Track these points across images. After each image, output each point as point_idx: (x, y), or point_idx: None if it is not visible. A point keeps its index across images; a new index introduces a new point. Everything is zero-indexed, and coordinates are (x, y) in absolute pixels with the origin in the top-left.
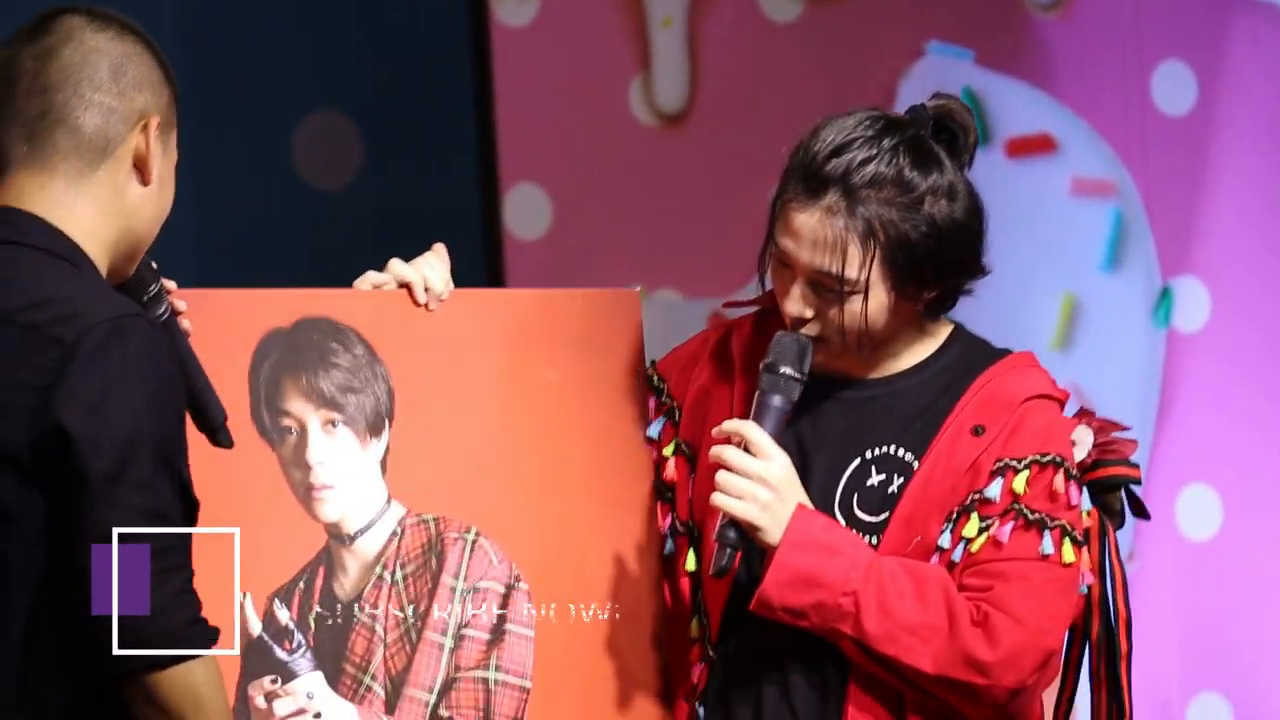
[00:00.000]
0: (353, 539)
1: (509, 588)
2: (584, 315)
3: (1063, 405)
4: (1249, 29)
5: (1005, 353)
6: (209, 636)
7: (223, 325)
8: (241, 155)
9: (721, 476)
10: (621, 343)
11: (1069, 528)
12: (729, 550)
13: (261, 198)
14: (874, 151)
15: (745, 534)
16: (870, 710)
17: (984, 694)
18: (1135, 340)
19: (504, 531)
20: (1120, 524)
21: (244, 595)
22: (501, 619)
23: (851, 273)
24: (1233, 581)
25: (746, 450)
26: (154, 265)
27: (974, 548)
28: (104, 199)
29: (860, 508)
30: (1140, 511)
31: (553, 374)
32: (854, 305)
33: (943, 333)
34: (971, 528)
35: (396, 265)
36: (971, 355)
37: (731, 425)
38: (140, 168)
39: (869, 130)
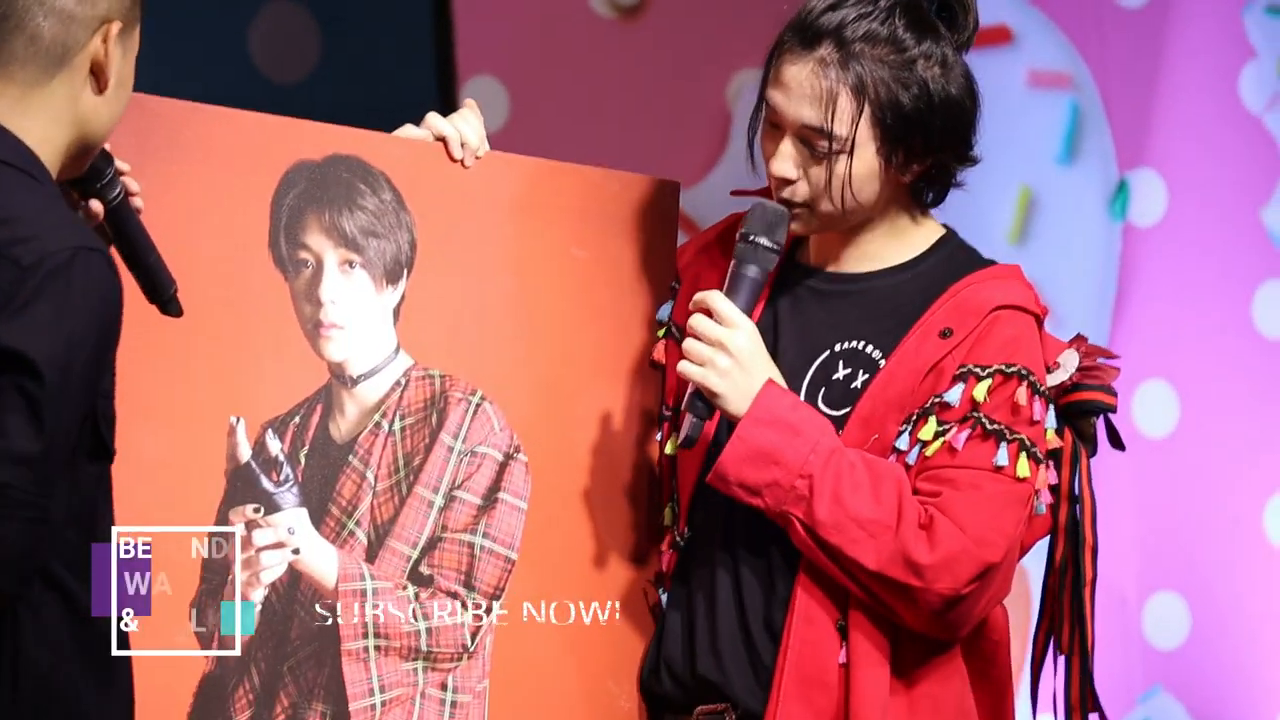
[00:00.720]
0: (355, 382)
1: (508, 457)
2: (621, 198)
3: (1040, 321)
4: None
5: (990, 263)
6: (8, 592)
7: (251, 148)
8: (198, 48)
9: (687, 343)
10: (655, 231)
11: (1028, 442)
12: (695, 420)
13: (218, 90)
14: (870, 9)
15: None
16: (818, 601)
17: (919, 596)
18: (1092, 233)
19: (510, 399)
20: (1093, 451)
21: (237, 420)
22: (496, 486)
23: (840, 128)
24: (1189, 479)
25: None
26: (108, 149)
27: (929, 451)
28: (59, 106)
29: (824, 400)
30: (1116, 442)
31: (581, 250)
32: (840, 166)
33: (931, 235)
34: (928, 431)
35: (433, 119)
36: (956, 261)
37: (700, 295)
38: (98, 74)
39: None
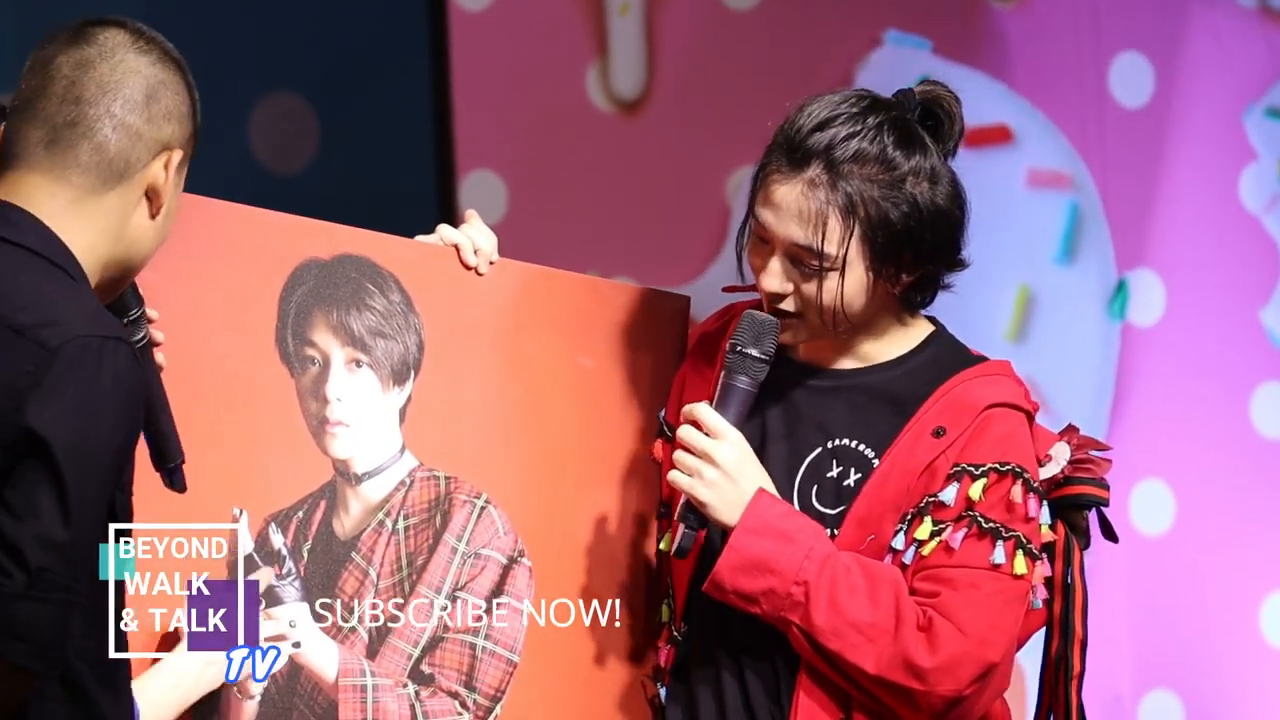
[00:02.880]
0: (359, 480)
1: (511, 560)
2: (630, 310)
3: (1031, 417)
4: (1207, 22)
5: (981, 359)
6: (34, 670)
7: (261, 244)
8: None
9: (676, 455)
10: (662, 342)
11: (1024, 539)
12: (687, 531)
13: (215, 180)
14: (859, 128)
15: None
16: (819, 703)
17: (920, 700)
18: (1090, 333)
19: (514, 505)
20: (1086, 544)
21: (240, 512)
22: (499, 589)
23: (830, 248)
24: (1185, 577)
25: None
26: (138, 290)
27: (925, 551)
28: (110, 220)
29: (817, 498)
30: (1109, 534)
31: (588, 360)
32: (831, 282)
33: (921, 332)
34: (924, 530)
35: (445, 229)
36: (946, 357)
37: (688, 407)
38: (152, 198)
39: (854, 107)
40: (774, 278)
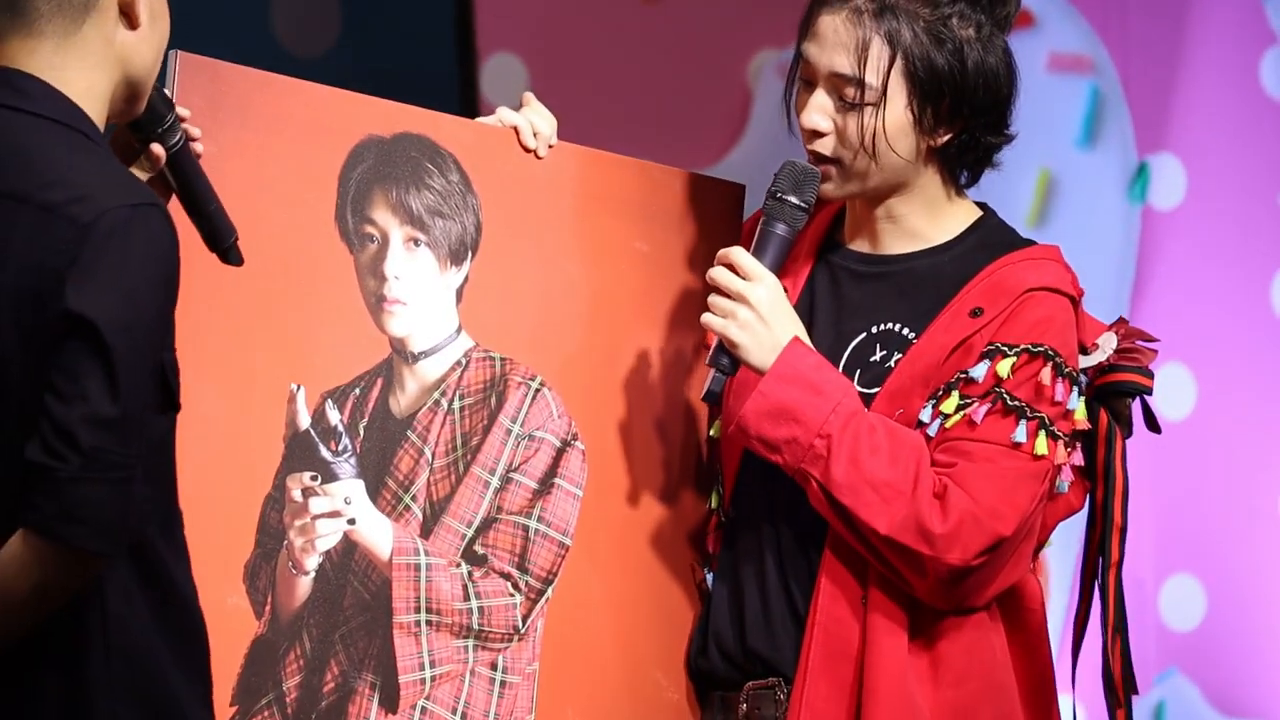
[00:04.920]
0: (416, 358)
1: (565, 443)
2: (687, 196)
3: (1076, 302)
4: None
5: (1029, 243)
6: (101, 552)
7: (321, 121)
8: (219, 22)
9: (710, 297)
10: (717, 231)
11: (1048, 421)
12: (718, 375)
13: (239, 62)
14: None
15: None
16: (842, 575)
17: (929, 565)
18: (1111, 217)
19: (568, 388)
20: (1128, 432)
21: (297, 387)
22: (552, 472)
23: (872, 77)
24: (1207, 461)
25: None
26: (168, 95)
27: (949, 424)
28: (96, 52)
29: (860, 382)
30: (1153, 424)
31: (643, 245)
32: (870, 117)
33: (970, 215)
34: (950, 404)
35: (505, 111)
36: (993, 241)
37: (723, 250)
38: (127, 12)
39: None
40: (814, 112)
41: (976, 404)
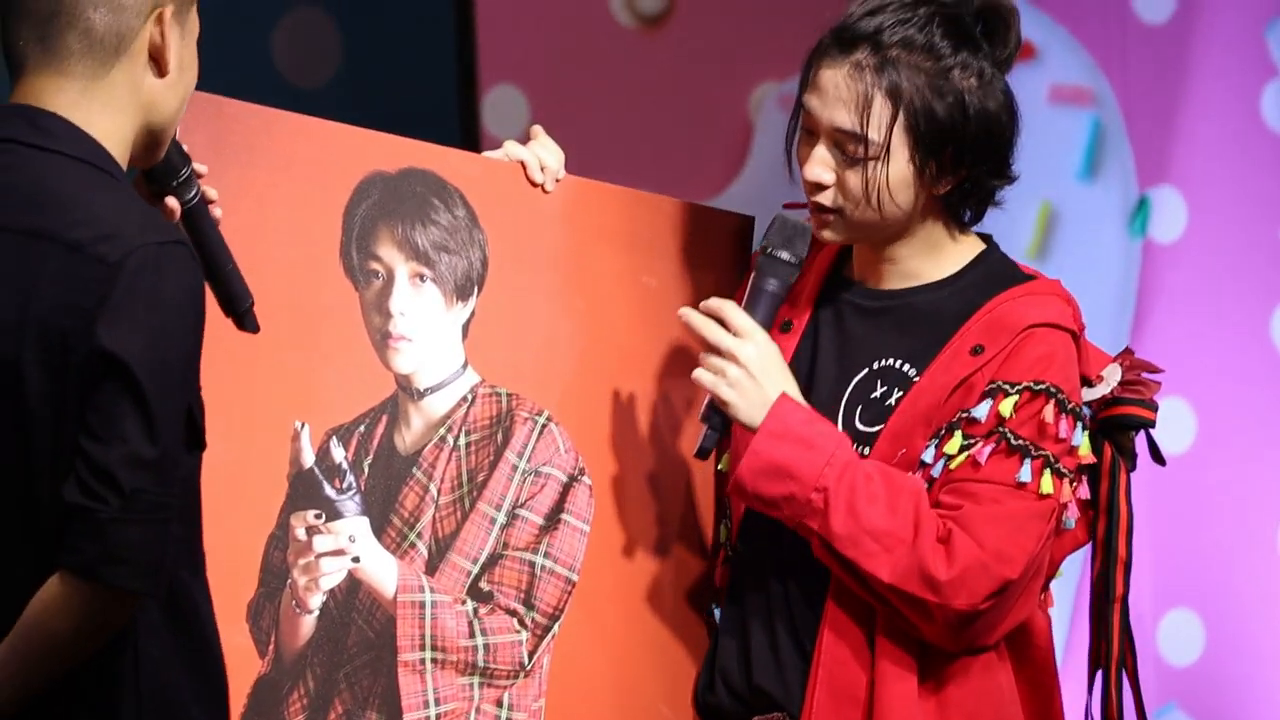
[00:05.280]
0: (421, 395)
1: (572, 479)
2: (695, 229)
3: (1076, 337)
4: None
5: (1029, 278)
6: (144, 591)
7: (327, 157)
8: (221, 51)
9: (701, 354)
10: (726, 263)
11: (1053, 459)
12: (710, 432)
13: (240, 94)
14: (909, 15)
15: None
16: (846, 623)
17: (935, 612)
18: (1111, 250)
19: (575, 423)
20: (1132, 465)
21: (301, 425)
22: (559, 507)
23: (874, 132)
24: (1206, 495)
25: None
26: (184, 149)
27: (953, 465)
28: (122, 96)
29: (861, 418)
30: (1157, 456)
31: (652, 280)
32: (873, 171)
33: (972, 249)
34: (954, 445)
35: (512, 145)
36: (993, 276)
37: (714, 303)
38: (157, 59)
39: None
40: (817, 165)
41: (980, 444)
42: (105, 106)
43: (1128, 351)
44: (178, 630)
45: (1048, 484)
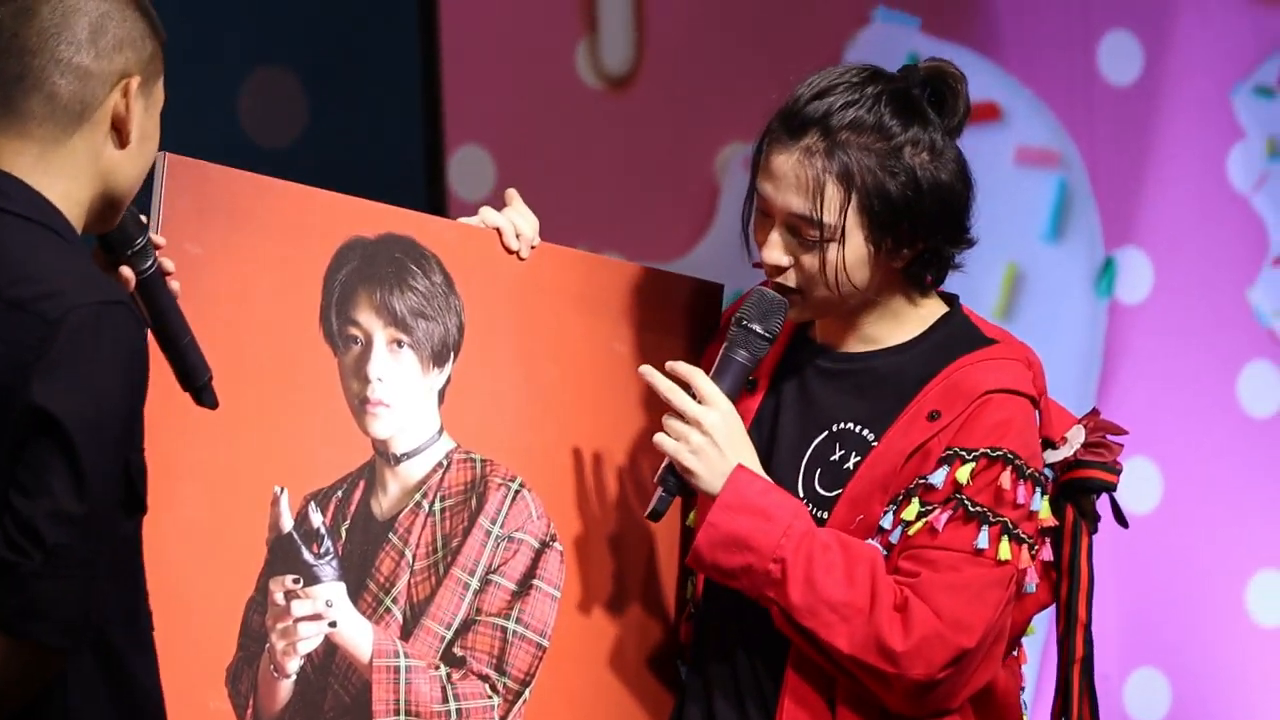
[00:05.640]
0: (398, 460)
1: (544, 544)
2: (665, 297)
3: (1035, 402)
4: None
5: (989, 342)
6: (61, 647)
7: (307, 222)
8: (187, 110)
9: (665, 417)
10: (695, 330)
11: (1010, 525)
12: (663, 495)
13: (206, 153)
14: (856, 97)
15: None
16: (806, 684)
17: (894, 682)
18: (1078, 311)
19: (547, 489)
20: (1094, 528)
21: (280, 490)
22: (530, 573)
23: (828, 216)
24: (1172, 555)
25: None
26: (142, 219)
27: (911, 531)
28: (81, 163)
29: (820, 481)
30: (1120, 519)
31: (621, 346)
32: (830, 253)
33: (933, 313)
34: (911, 511)
35: (487, 211)
36: (954, 340)
37: (681, 368)
38: (119, 129)
39: (855, 78)
40: (774, 250)
41: (938, 511)
42: (63, 171)
43: (1093, 413)
44: (111, 686)
45: (1005, 550)
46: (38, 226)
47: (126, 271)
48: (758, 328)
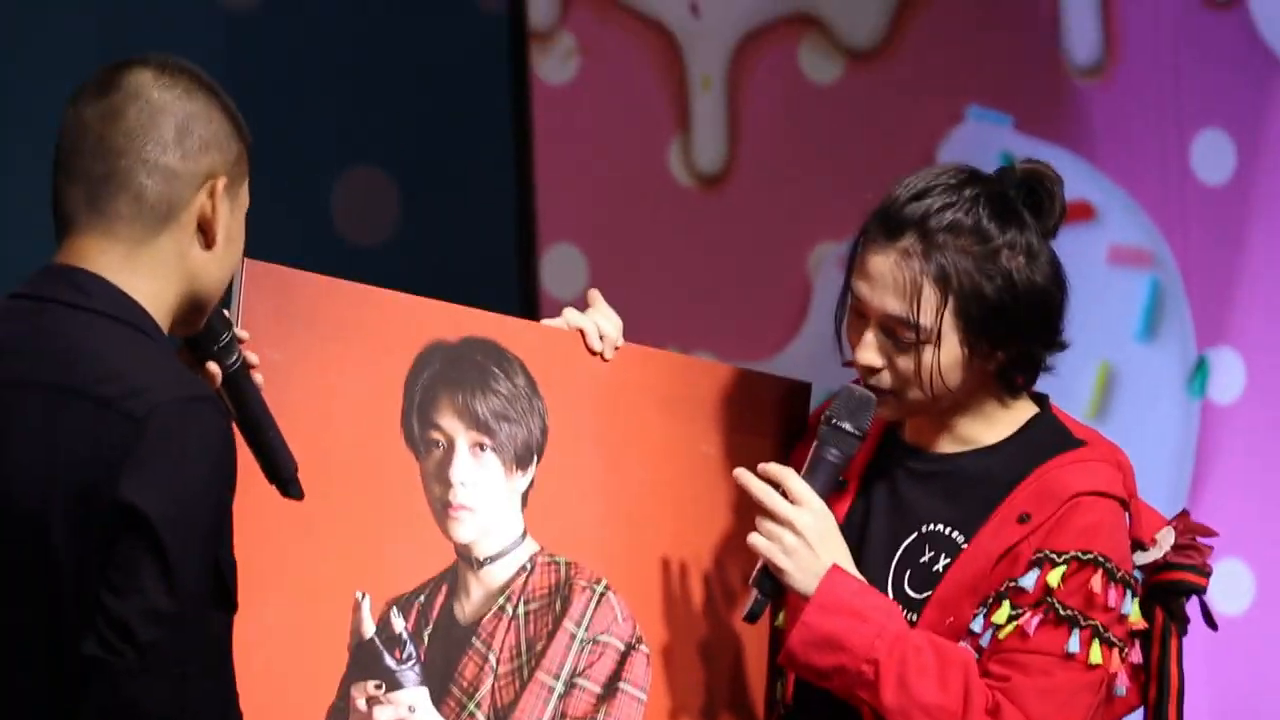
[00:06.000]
0: (481, 564)
1: (629, 647)
2: (753, 397)
3: (1125, 504)
4: None
5: (1079, 444)
6: None
7: (388, 327)
8: (280, 210)
9: (758, 518)
10: (784, 430)
11: (1101, 629)
12: (760, 597)
13: (298, 251)
14: (954, 199)
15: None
16: None
17: None
18: (1170, 411)
19: (632, 591)
20: (1183, 631)
21: (362, 595)
22: (616, 676)
23: (924, 319)
24: (1265, 657)
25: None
26: (225, 313)
27: (1001, 635)
28: (167, 263)
29: (909, 583)
30: (1210, 621)
31: (709, 447)
32: (925, 355)
33: (1023, 414)
34: (1002, 615)
35: (570, 313)
36: (1044, 442)
37: (773, 469)
38: (205, 230)
39: (952, 179)
40: (868, 350)
41: (1028, 614)
42: (150, 271)
43: (1183, 514)
44: None
45: (1096, 655)
46: (124, 325)
47: (213, 367)
48: (848, 426)
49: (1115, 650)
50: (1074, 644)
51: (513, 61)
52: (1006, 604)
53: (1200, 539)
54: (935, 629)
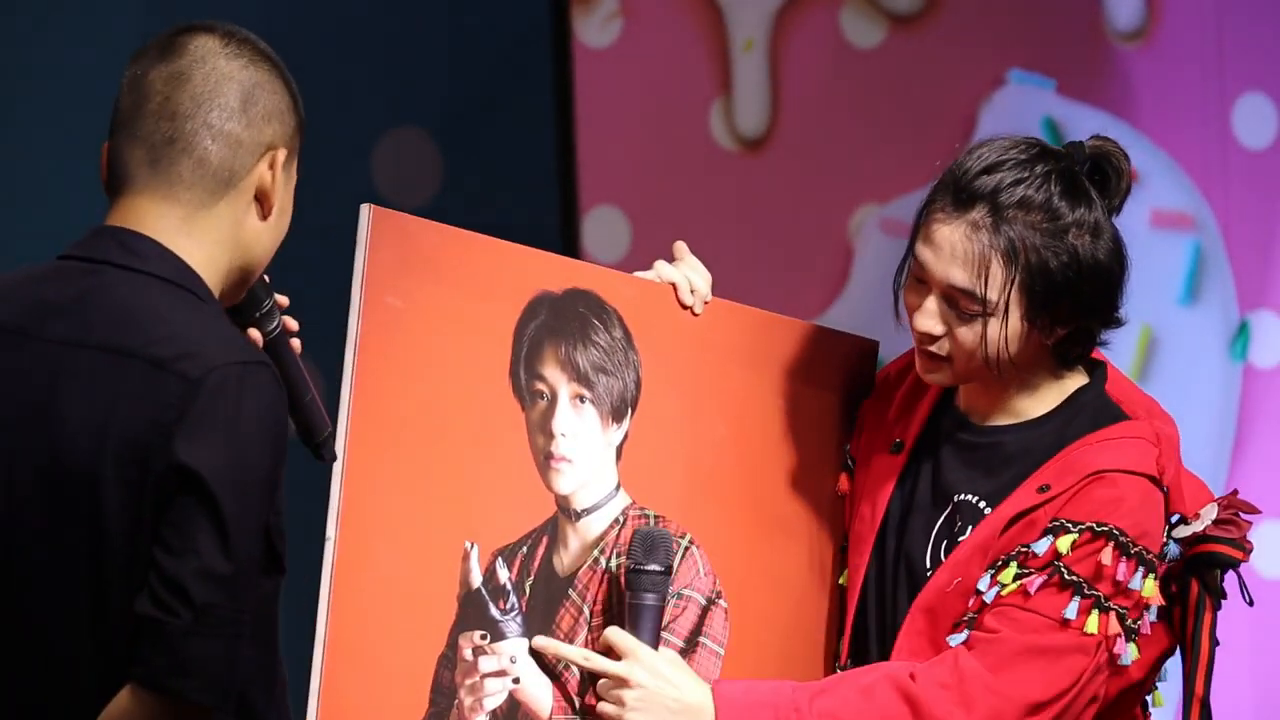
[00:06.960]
0: (579, 516)
1: (710, 601)
2: (827, 354)
3: (1156, 481)
4: None
5: (1119, 417)
6: (203, 703)
7: (501, 275)
8: (321, 171)
9: (599, 684)
10: (854, 383)
11: (1104, 599)
12: None
13: (339, 212)
14: (1025, 174)
15: None
16: None
17: None
18: (1212, 374)
19: (714, 545)
20: (1218, 604)
21: (471, 545)
22: (697, 630)
23: (992, 293)
24: None
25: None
26: (267, 280)
27: (1004, 592)
28: (222, 230)
29: (945, 553)
30: (1247, 596)
31: (783, 402)
32: (989, 328)
33: (1072, 385)
34: (1008, 575)
35: (662, 266)
36: (1084, 416)
37: (605, 634)
38: (262, 200)
39: (1023, 154)
40: (929, 318)
41: (1034, 575)
42: (206, 237)
43: (1232, 494)
44: None
45: (1093, 624)
46: (175, 288)
47: (255, 333)
48: (652, 565)
49: (1111, 615)
50: (1072, 610)
51: (554, 24)
52: (1014, 565)
53: (1242, 515)
54: (943, 589)
